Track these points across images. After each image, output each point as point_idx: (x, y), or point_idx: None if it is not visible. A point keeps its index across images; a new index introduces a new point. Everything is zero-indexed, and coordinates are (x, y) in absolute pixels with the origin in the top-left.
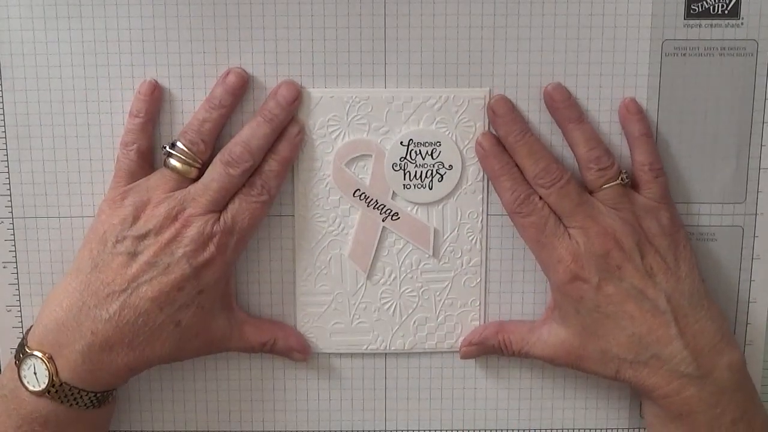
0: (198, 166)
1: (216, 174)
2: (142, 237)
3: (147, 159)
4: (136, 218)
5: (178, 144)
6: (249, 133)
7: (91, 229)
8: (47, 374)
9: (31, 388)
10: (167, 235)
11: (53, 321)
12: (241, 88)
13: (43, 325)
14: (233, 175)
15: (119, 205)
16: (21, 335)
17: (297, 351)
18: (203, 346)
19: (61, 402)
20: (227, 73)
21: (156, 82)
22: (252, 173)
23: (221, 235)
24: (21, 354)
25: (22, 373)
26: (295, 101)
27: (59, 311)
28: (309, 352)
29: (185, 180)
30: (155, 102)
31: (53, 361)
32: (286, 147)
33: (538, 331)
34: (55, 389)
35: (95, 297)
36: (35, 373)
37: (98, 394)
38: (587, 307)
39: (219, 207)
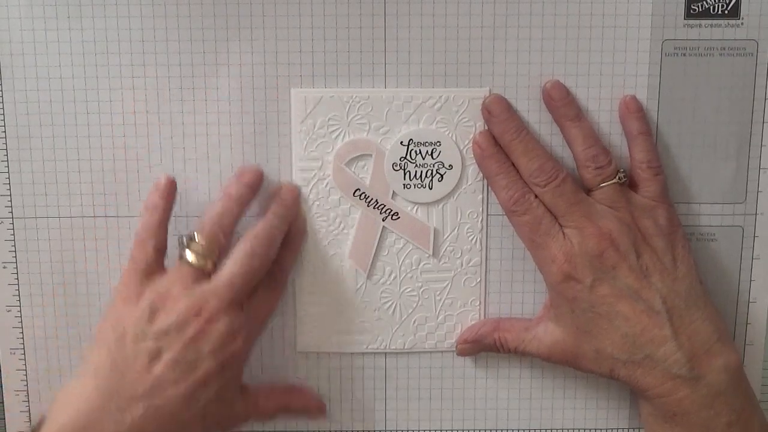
0: (215, 259)
1: (239, 268)
2: (164, 333)
3: (162, 254)
4: (154, 314)
5: (197, 238)
6: (267, 223)
7: (104, 326)
8: None
9: None
10: (191, 331)
11: (70, 424)
12: (258, 183)
13: (59, 425)
14: (257, 267)
15: (136, 302)
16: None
17: (315, 410)
18: (224, 430)
19: None
20: (243, 172)
21: (173, 178)
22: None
23: (247, 329)
24: None
25: None
26: (296, 201)
27: (77, 414)
28: (325, 408)
29: (203, 273)
30: (172, 197)
31: None
32: (297, 241)
33: (534, 329)
34: None
35: (117, 399)
36: None
37: None
38: (581, 306)
39: (243, 301)
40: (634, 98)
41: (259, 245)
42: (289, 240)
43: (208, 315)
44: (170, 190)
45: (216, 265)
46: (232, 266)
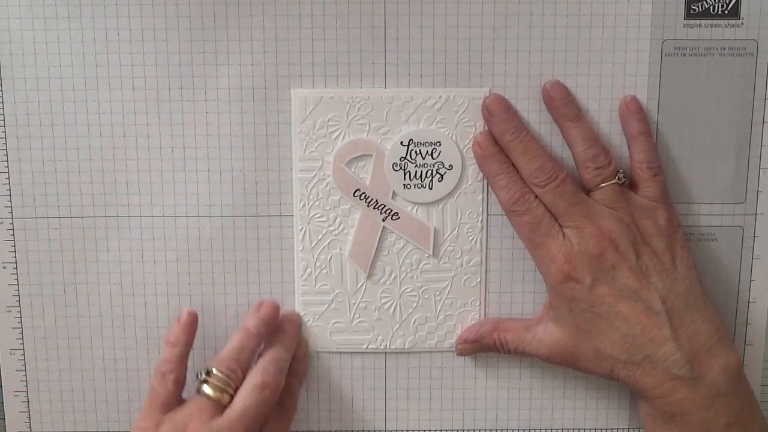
0: (232, 393)
1: (251, 401)
2: None
3: (181, 387)
4: None
5: (215, 372)
6: (274, 355)
7: None
8: None
9: None
10: None
11: None
12: (275, 317)
13: None
14: (268, 399)
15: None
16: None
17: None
18: None
19: None
20: (260, 307)
21: (194, 313)
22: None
23: None
24: None
25: None
26: (299, 330)
27: None
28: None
29: (219, 405)
30: (193, 331)
31: None
32: (303, 366)
33: (533, 329)
34: None
35: None
36: None
37: None
38: (580, 307)
39: (256, 430)
40: (634, 98)
41: (269, 377)
42: (295, 367)
43: None
44: (192, 325)
45: (232, 398)
46: (244, 399)
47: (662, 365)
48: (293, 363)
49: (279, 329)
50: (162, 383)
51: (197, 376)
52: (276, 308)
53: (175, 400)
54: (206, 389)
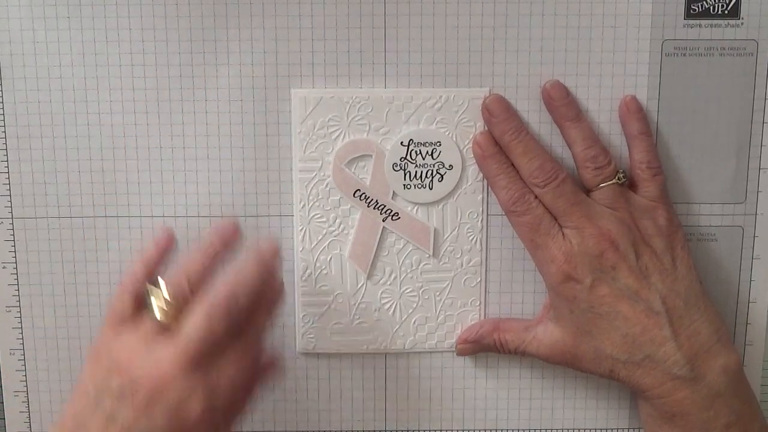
0: (176, 314)
1: (195, 332)
2: (119, 395)
3: (141, 306)
4: (112, 373)
5: (164, 293)
6: (229, 288)
7: (78, 378)
8: None
9: None
10: (142, 398)
11: None
12: (235, 240)
13: None
14: (216, 332)
15: (103, 354)
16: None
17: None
18: None
19: None
20: (220, 227)
21: (172, 233)
22: (237, 326)
23: (210, 394)
24: None
25: None
26: (271, 260)
27: None
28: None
29: (167, 330)
30: (166, 251)
31: None
32: (273, 300)
33: (533, 329)
34: None
35: None
36: None
37: None
38: (580, 307)
39: (202, 364)
40: (634, 98)
41: (218, 309)
42: (264, 300)
43: (160, 381)
44: (165, 243)
45: (178, 320)
46: (189, 330)
47: (662, 365)
48: (263, 296)
49: (250, 257)
50: (119, 299)
51: (146, 289)
52: (236, 229)
53: (131, 318)
54: (155, 311)
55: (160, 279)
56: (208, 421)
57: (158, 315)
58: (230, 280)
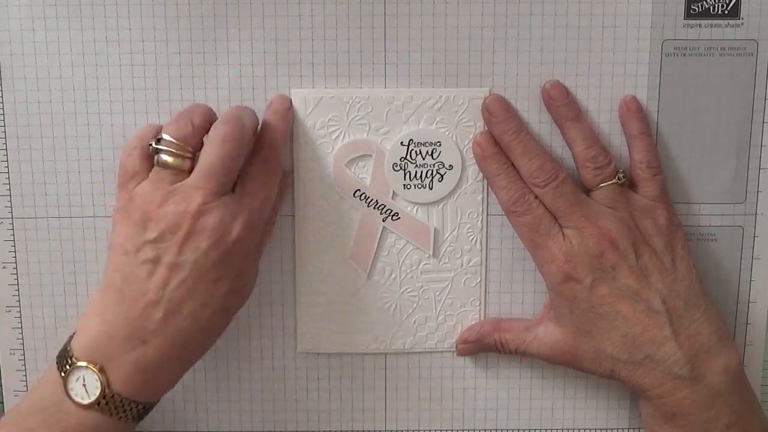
0: (190, 155)
1: (215, 156)
2: (160, 239)
3: (150, 161)
4: (145, 225)
5: (165, 136)
6: (237, 111)
7: (110, 240)
8: (99, 386)
9: (78, 400)
10: (182, 232)
11: (100, 333)
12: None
13: (89, 337)
14: (235, 151)
15: (129, 212)
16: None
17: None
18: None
19: (110, 414)
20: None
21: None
22: (254, 148)
23: (247, 213)
24: (67, 365)
25: (69, 386)
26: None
27: (104, 324)
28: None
29: (181, 173)
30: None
31: (105, 372)
32: (283, 121)
33: (534, 329)
34: (106, 401)
35: (135, 309)
36: (84, 385)
37: (146, 406)
38: (581, 307)
39: (229, 187)
40: (634, 98)
41: (229, 128)
42: (275, 117)
43: (195, 210)
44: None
45: (193, 162)
46: (207, 156)
47: (663, 365)
48: (273, 115)
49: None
50: (129, 157)
51: (150, 148)
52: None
53: (144, 173)
54: (163, 157)
55: (164, 133)
56: (246, 238)
57: (169, 159)
58: (232, 110)
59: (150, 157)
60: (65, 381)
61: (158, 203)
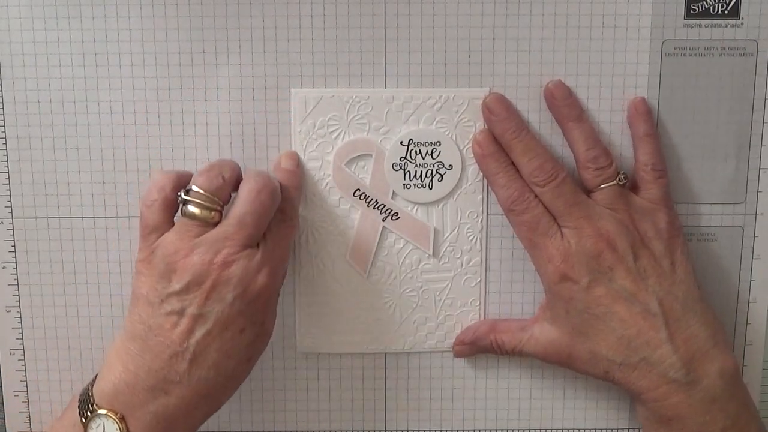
0: (219, 209)
1: (248, 206)
2: (185, 291)
3: (171, 212)
4: (170, 275)
5: (194, 188)
6: (259, 171)
7: (133, 290)
8: None
9: None
10: (209, 282)
11: (122, 382)
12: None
13: (111, 384)
14: (265, 202)
15: (153, 263)
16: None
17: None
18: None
19: None
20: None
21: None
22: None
23: (270, 264)
24: (88, 411)
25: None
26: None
27: (126, 373)
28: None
29: (207, 225)
30: (186, 174)
31: (125, 421)
32: (297, 175)
33: (530, 329)
34: None
35: (159, 360)
36: None
37: None
38: (577, 307)
39: (256, 240)
40: (643, 100)
41: (262, 180)
42: (289, 176)
43: (222, 260)
44: (189, 173)
45: (221, 214)
46: (240, 206)
47: (658, 368)
48: (287, 173)
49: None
50: (149, 210)
51: (178, 196)
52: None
53: (166, 224)
54: (191, 209)
55: (193, 185)
56: (269, 288)
57: (197, 211)
58: (259, 169)
59: (170, 208)
60: (86, 427)
61: (184, 254)
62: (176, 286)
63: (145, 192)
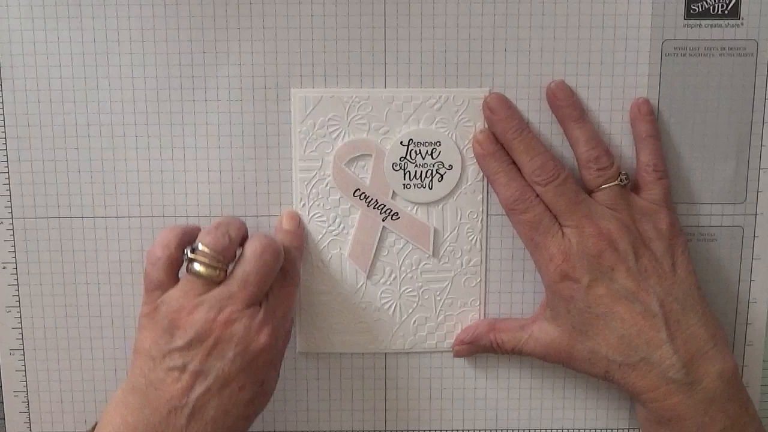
0: (224, 267)
1: (252, 266)
2: (187, 347)
3: (175, 269)
4: (173, 332)
5: (201, 248)
6: (264, 234)
7: (136, 344)
8: None
9: None
10: (211, 340)
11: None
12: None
13: None
14: (269, 263)
15: (156, 319)
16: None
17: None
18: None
19: None
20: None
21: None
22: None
23: (272, 324)
24: None
25: None
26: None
27: (125, 426)
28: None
29: (212, 283)
30: (193, 230)
31: None
32: (299, 237)
33: (529, 328)
34: None
35: (158, 414)
36: None
37: None
38: (577, 307)
39: (259, 300)
40: (646, 101)
41: (266, 241)
42: (291, 238)
43: (225, 318)
44: (192, 227)
45: (226, 273)
46: (244, 265)
47: (658, 368)
48: (288, 234)
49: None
50: (153, 267)
51: (184, 253)
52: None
53: (170, 282)
54: (196, 267)
55: (200, 244)
56: (271, 347)
57: (203, 270)
58: (261, 232)
59: (174, 265)
60: None
61: (188, 311)
62: (179, 342)
63: (150, 249)
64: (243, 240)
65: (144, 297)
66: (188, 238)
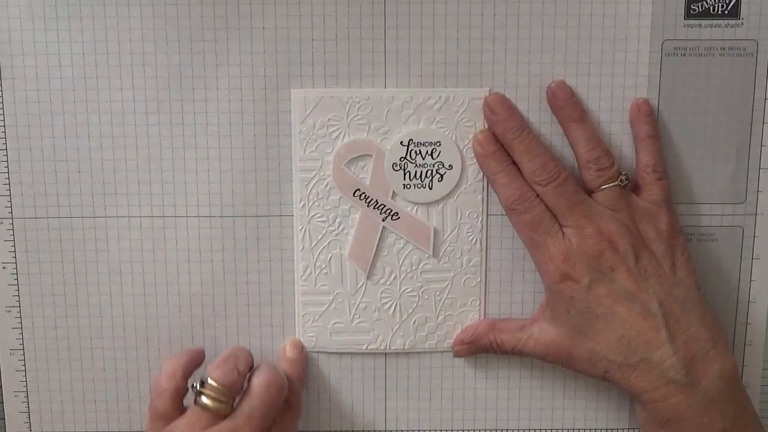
0: (232, 402)
1: (257, 401)
2: None
3: (181, 399)
4: None
5: (210, 382)
6: (269, 364)
7: None
8: None
9: None
10: None
11: None
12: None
13: None
14: (274, 397)
15: None
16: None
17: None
18: None
19: None
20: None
21: (202, 352)
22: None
23: None
24: None
25: None
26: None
27: None
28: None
29: (219, 416)
30: (196, 362)
31: None
32: (302, 368)
33: (529, 328)
34: None
35: None
36: None
37: None
38: (577, 307)
39: (266, 431)
40: (646, 101)
41: (273, 375)
42: (294, 368)
43: None
44: (196, 357)
45: (233, 406)
46: (250, 400)
47: (657, 369)
48: (292, 363)
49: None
50: (159, 398)
51: (192, 386)
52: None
53: (175, 412)
54: (204, 400)
55: (209, 378)
56: None
57: (210, 403)
58: (269, 362)
59: (180, 396)
60: None
61: None
62: None
63: (156, 378)
64: (249, 368)
65: (147, 424)
66: (194, 365)
